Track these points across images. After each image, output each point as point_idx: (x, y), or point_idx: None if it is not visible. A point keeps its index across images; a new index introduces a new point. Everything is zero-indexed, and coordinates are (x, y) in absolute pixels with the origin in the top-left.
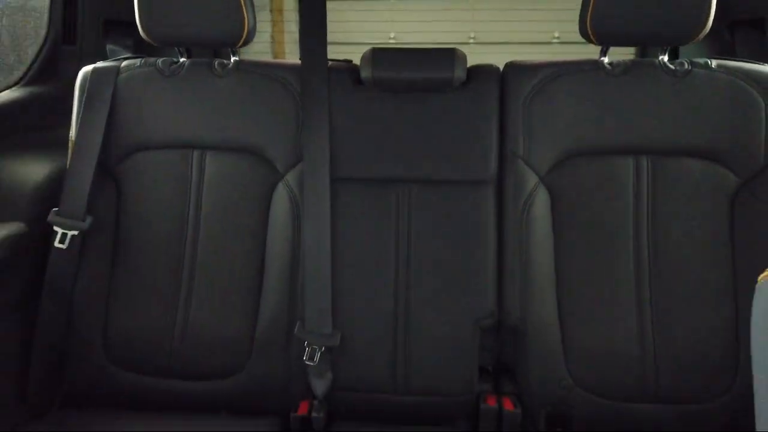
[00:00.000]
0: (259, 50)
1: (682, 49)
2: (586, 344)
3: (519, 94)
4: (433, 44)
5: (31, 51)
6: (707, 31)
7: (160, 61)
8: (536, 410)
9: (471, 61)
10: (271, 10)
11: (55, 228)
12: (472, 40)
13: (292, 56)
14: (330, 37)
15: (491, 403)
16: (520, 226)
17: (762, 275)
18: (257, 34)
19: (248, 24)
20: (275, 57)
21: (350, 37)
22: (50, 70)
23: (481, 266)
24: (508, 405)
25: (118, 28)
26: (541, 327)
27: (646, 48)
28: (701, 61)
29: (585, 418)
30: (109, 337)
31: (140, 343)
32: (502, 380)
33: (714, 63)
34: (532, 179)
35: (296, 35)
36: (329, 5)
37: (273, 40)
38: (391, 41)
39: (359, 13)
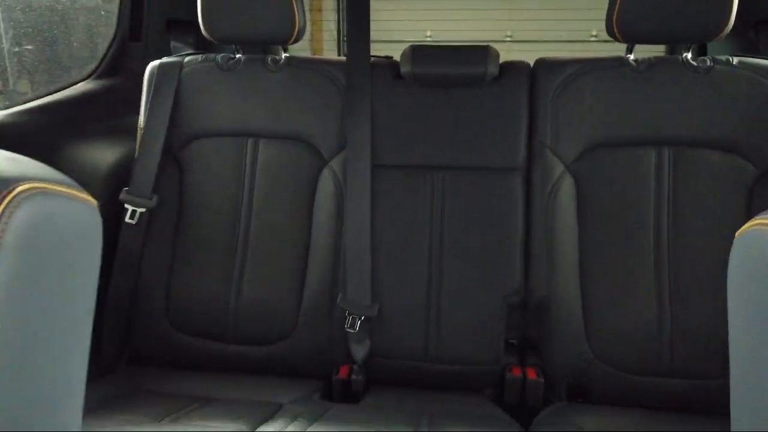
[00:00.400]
0: (298, 47)
1: (710, 48)
2: (606, 321)
3: (548, 88)
4: (469, 42)
5: (102, 47)
6: (729, 30)
7: (219, 57)
8: (558, 381)
9: (508, 59)
10: (311, 10)
11: (126, 206)
12: (508, 38)
13: (329, 53)
14: (371, 36)
15: (516, 373)
16: (546, 211)
17: (739, 231)
18: None
19: (298, 23)
20: (314, 53)
21: (389, 35)
22: (118, 64)
23: (509, 247)
24: (531, 375)
25: (180, 27)
26: (565, 305)
27: (675, 46)
28: (723, 58)
29: (603, 390)
30: (171, 303)
31: (198, 310)
32: (526, 353)
33: (735, 60)
34: (558, 168)
35: (334, 34)
36: (375, 9)
37: (312, 38)
38: (428, 39)
39: (397, 12)
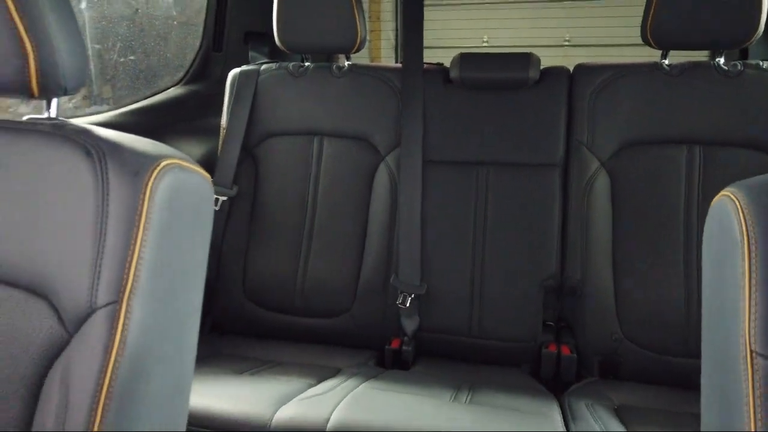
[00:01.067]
0: (357, 54)
1: (751, 52)
2: (637, 304)
3: (585, 91)
4: (526, 47)
5: (189, 57)
6: (759, 36)
7: (290, 65)
8: (590, 359)
9: (566, 64)
10: (369, 19)
11: None
12: (566, 43)
13: (387, 60)
14: (429, 43)
15: (552, 349)
16: (582, 203)
17: (715, 198)
18: None
19: (360, 34)
20: (372, 60)
21: (446, 42)
22: (203, 72)
23: (547, 235)
24: (566, 351)
25: (256, 38)
26: (598, 288)
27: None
28: (753, 62)
29: (634, 368)
30: (248, 280)
31: (270, 286)
32: (562, 333)
33: (766, 64)
34: (594, 164)
35: (392, 42)
36: (430, 15)
37: (370, 45)
38: (485, 45)
39: (454, 21)
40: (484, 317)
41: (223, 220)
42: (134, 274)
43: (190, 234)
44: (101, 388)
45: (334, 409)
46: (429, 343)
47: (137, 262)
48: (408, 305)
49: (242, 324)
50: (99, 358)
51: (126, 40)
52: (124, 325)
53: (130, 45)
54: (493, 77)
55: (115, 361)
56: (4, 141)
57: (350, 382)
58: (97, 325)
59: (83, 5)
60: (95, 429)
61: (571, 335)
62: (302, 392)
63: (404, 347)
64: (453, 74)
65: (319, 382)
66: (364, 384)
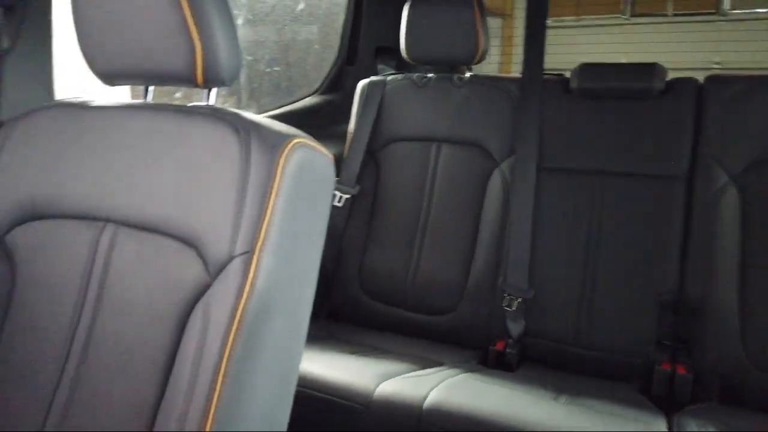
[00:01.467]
0: (487, 72)
1: None
2: (765, 328)
3: (716, 102)
4: (669, 71)
5: (324, 70)
6: None
7: (414, 75)
8: (709, 382)
9: None
10: (501, 36)
11: (335, 192)
12: (716, 66)
13: None
14: (565, 65)
15: (666, 367)
16: (706, 218)
17: None
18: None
19: (481, 47)
20: None
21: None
22: (336, 83)
23: (665, 248)
24: (681, 370)
25: (385, 52)
26: (720, 307)
27: None
28: None
29: (759, 396)
30: (363, 273)
31: (384, 281)
32: (678, 353)
33: None
34: (722, 178)
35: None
36: (566, 35)
37: (501, 61)
38: None
39: (594, 41)
40: (593, 328)
41: (344, 216)
42: (266, 230)
43: (313, 202)
44: (233, 324)
45: (432, 389)
46: (533, 349)
47: (269, 220)
48: (514, 308)
49: (356, 314)
50: (233, 298)
51: (273, 53)
52: (255, 271)
53: (275, 58)
54: (614, 87)
55: (246, 301)
56: (176, 121)
57: (452, 371)
58: (233, 270)
59: (240, 21)
60: (226, 356)
61: (687, 355)
62: (405, 373)
63: (508, 350)
64: (573, 84)
65: (422, 369)
66: (464, 374)
